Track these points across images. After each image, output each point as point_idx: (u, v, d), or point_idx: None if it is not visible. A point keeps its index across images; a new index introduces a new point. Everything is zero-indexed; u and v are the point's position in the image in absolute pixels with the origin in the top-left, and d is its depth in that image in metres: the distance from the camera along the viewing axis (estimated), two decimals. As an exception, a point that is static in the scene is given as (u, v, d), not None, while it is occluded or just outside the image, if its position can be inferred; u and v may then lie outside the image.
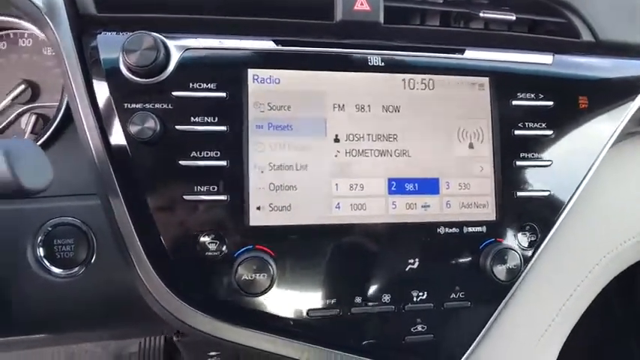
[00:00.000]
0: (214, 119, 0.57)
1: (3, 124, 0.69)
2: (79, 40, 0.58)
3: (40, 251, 0.60)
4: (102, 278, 0.61)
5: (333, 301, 0.59)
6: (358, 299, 0.60)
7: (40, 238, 0.60)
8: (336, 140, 0.60)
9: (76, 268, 0.61)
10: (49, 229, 0.60)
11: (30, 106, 0.71)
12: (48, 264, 0.60)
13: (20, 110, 0.70)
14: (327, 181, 0.59)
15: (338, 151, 0.60)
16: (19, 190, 0.41)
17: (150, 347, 1.36)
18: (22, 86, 0.70)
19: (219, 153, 0.57)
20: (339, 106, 0.60)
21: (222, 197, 0.57)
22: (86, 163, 0.58)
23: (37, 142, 0.64)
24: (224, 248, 0.57)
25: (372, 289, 0.60)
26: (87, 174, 0.60)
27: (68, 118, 0.64)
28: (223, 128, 0.57)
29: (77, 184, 0.63)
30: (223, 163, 0.57)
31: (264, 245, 0.57)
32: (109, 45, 0.57)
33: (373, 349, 0.61)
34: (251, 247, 0.57)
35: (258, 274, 0.55)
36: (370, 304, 0.60)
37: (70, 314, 0.64)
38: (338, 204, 0.59)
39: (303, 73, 0.60)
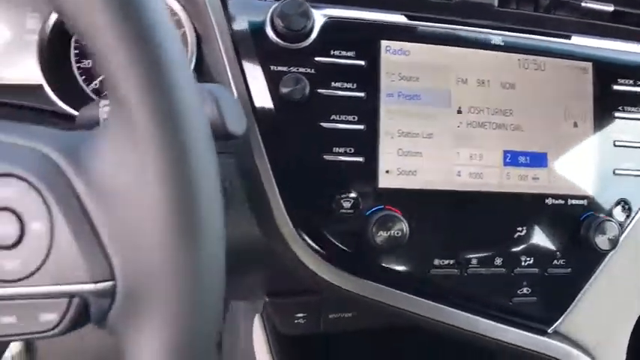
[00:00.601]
0: (353, 85, 0.60)
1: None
2: (224, 3, 0.61)
3: None
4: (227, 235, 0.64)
5: (452, 261, 0.63)
6: (474, 261, 0.64)
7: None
8: (459, 112, 0.64)
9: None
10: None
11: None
12: None
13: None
14: (450, 150, 0.63)
15: (460, 122, 0.64)
16: (225, 133, 0.44)
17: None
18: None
19: (356, 117, 0.60)
20: (462, 79, 0.64)
21: (359, 159, 0.60)
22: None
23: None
24: (358, 207, 0.60)
25: (487, 253, 0.64)
26: None
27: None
28: (361, 94, 0.61)
29: None
30: (360, 127, 0.60)
31: (392, 206, 0.61)
32: (254, 9, 0.60)
33: (484, 309, 0.66)
34: (381, 207, 0.61)
35: (393, 232, 0.59)
36: (484, 265, 0.64)
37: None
38: (459, 172, 0.63)
39: (431, 47, 0.64)
